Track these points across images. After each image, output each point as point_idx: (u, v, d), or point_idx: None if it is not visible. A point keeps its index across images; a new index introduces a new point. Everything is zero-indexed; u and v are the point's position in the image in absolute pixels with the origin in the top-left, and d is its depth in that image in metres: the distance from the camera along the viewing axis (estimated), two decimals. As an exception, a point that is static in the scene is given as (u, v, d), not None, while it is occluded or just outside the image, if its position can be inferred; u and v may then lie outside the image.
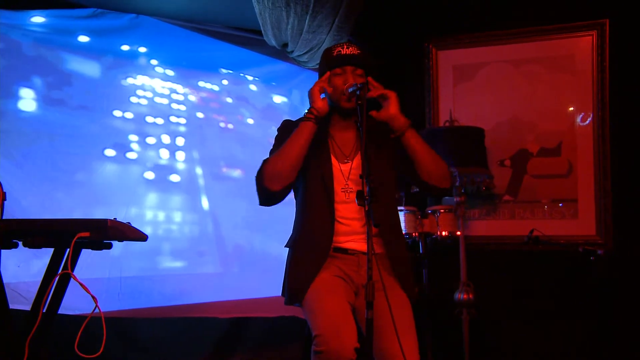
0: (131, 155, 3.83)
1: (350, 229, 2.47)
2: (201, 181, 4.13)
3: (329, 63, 2.52)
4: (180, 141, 4.06)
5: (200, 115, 4.21)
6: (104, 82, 3.77)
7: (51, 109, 3.52)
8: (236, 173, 4.34)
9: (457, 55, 4.53)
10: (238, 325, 4.12)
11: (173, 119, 4.04)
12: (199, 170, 4.13)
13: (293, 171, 2.43)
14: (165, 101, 4.01)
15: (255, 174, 2.48)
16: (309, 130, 2.42)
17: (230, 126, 4.39)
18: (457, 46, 4.53)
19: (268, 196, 2.46)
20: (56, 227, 2.18)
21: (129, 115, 3.83)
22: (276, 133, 2.65)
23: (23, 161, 3.34)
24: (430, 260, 4.02)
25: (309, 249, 2.47)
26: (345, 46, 2.52)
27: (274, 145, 2.60)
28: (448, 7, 4.58)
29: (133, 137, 3.84)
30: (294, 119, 2.67)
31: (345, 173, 2.52)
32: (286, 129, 2.56)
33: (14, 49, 3.41)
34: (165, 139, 3.99)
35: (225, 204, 4.22)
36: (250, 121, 4.50)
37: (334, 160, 2.54)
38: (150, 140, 3.91)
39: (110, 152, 3.73)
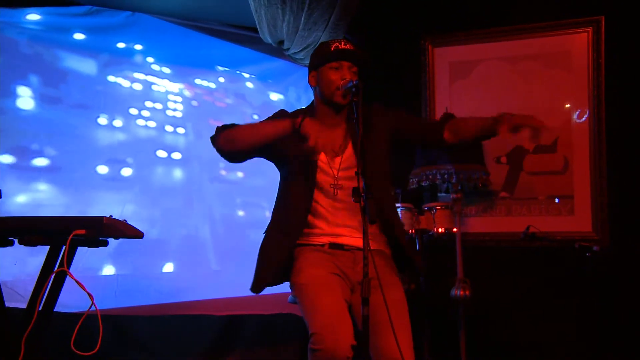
0: (128, 153, 3.82)
1: (345, 228, 2.47)
2: (198, 179, 4.13)
3: (325, 56, 2.50)
4: (177, 140, 4.06)
5: (196, 113, 4.20)
6: (100, 80, 3.76)
7: (48, 107, 3.52)
8: (233, 171, 4.33)
9: (454, 52, 4.53)
10: (234, 322, 4.12)
11: (169, 117, 4.04)
12: (196, 168, 4.13)
13: (247, 147, 2.49)
14: (161, 99, 4.01)
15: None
16: (284, 130, 2.39)
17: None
18: (453, 43, 4.52)
19: (217, 148, 2.55)
20: (52, 224, 2.18)
21: (125, 113, 3.83)
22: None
23: (19, 159, 3.34)
24: (427, 257, 4.02)
25: (281, 237, 2.49)
26: (342, 42, 2.51)
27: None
28: (444, 3, 4.57)
29: (129, 136, 3.83)
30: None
31: (335, 167, 2.50)
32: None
33: (10, 47, 3.40)
34: (162, 137, 3.99)
35: (222, 202, 4.22)
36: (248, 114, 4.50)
37: (321, 154, 2.52)
38: (147, 138, 3.91)
39: (106, 150, 3.73)
